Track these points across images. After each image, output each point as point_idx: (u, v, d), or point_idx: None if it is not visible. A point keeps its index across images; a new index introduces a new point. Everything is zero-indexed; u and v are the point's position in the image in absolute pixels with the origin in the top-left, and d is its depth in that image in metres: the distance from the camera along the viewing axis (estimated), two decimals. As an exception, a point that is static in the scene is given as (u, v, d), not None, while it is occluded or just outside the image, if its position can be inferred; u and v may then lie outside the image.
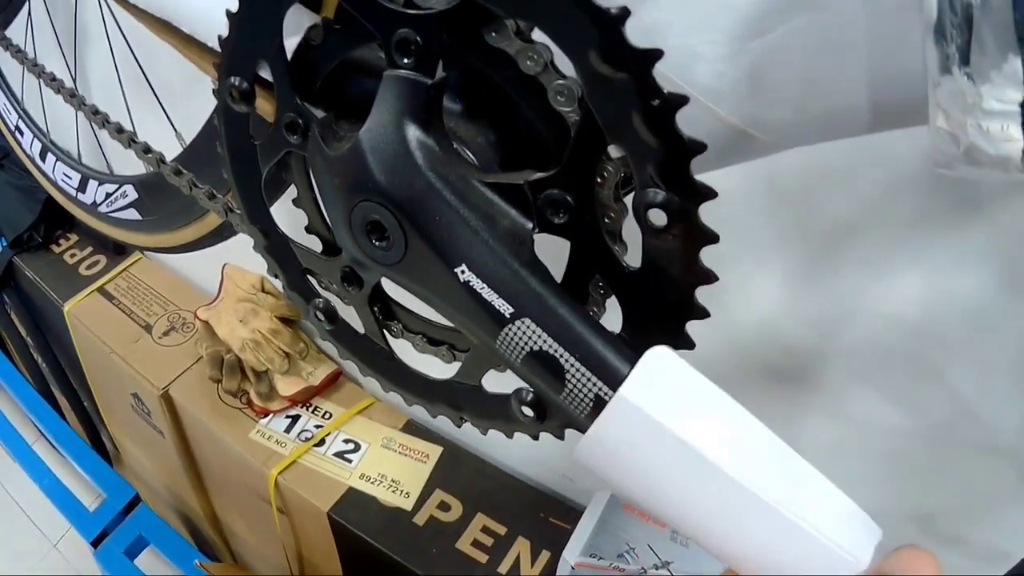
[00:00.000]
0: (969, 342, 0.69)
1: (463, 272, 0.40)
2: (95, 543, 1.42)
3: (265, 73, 0.48)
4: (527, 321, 0.39)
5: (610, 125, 0.36)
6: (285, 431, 1.21)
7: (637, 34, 0.34)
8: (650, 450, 0.35)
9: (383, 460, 1.16)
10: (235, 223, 0.56)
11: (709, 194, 0.35)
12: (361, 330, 0.52)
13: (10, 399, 1.76)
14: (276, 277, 0.54)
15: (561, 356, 0.38)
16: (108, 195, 0.92)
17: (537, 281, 0.39)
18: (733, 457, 0.34)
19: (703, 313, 0.38)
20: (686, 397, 0.35)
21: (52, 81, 0.82)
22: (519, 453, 1.14)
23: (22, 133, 1.21)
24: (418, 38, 0.40)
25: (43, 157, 1.12)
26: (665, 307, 0.39)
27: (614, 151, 0.38)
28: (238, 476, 1.24)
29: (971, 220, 0.64)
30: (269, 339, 1.26)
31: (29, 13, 1.18)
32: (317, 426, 1.21)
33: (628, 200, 0.39)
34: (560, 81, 0.39)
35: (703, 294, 0.38)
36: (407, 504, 1.11)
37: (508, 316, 0.39)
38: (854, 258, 0.72)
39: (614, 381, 0.36)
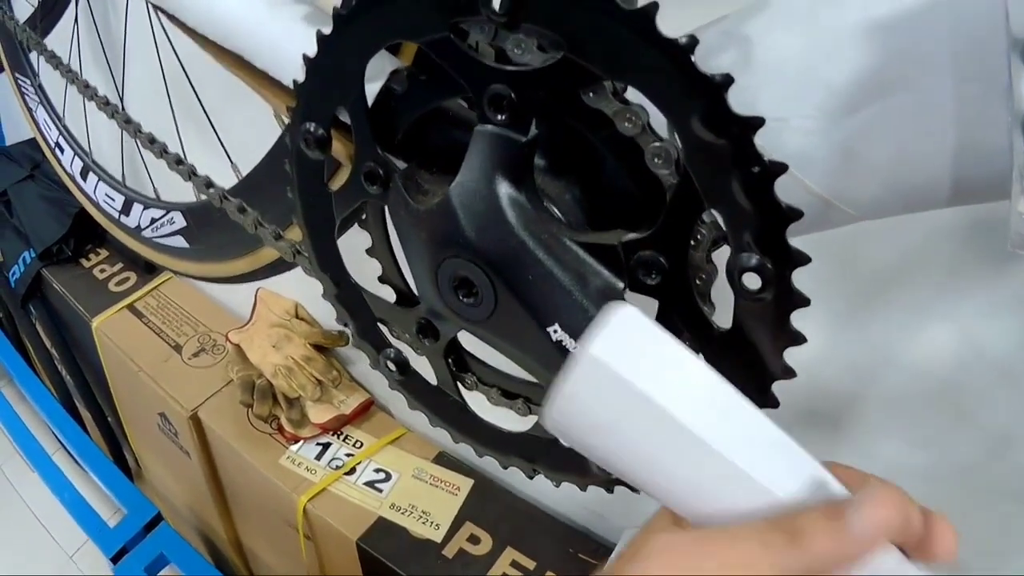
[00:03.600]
0: (999, 388, 0.70)
1: (555, 332, 0.40)
2: (115, 559, 1.41)
3: (343, 118, 0.48)
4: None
5: (708, 189, 0.36)
6: (315, 458, 1.20)
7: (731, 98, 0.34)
8: (614, 405, 0.35)
9: (414, 491, 1.15)
10: (303, 267, 0.56)
11: (803, 260, 0.35)
12: (434, 381, 0.51)
13: (31, 409, 1.76)
14: (345, 325, 0.54)
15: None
16: (154, 220, 0.92)
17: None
18: (694, 411, 0.34)
19: (790, 373, 0.38)
20: (651, 354, 0.35)
21: (106, 105, 0.82)
22: (550, 488, 1.13)
23: (62, 150, 1.21)
24: (512, 94, 0.40)
25: (84, 176, 1.12)
26: (753, 366, 0.39)
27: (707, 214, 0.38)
28: (266, 501, 1.23)
29: (1004, 270, 0.65)
30: (302, 366, 1.26)
31: (76, 28, 1.18)
32: (348, 454, 1.20)
33: (717, 260, 0.39)
34: (657, 143, 0.39)
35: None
36: (437, 536, 1.10)
37: (601, 377, 0.38)
38: (893, 306, 0.73)
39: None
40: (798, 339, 0.37)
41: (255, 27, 0.55)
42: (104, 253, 1.71)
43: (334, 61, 0.46)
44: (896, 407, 0.78)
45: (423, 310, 0.48)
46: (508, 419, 0.50)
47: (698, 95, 0.34)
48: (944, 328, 0.71)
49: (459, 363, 0.51)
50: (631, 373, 0.34)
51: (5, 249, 1.84)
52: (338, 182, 0.51)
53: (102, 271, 1.66)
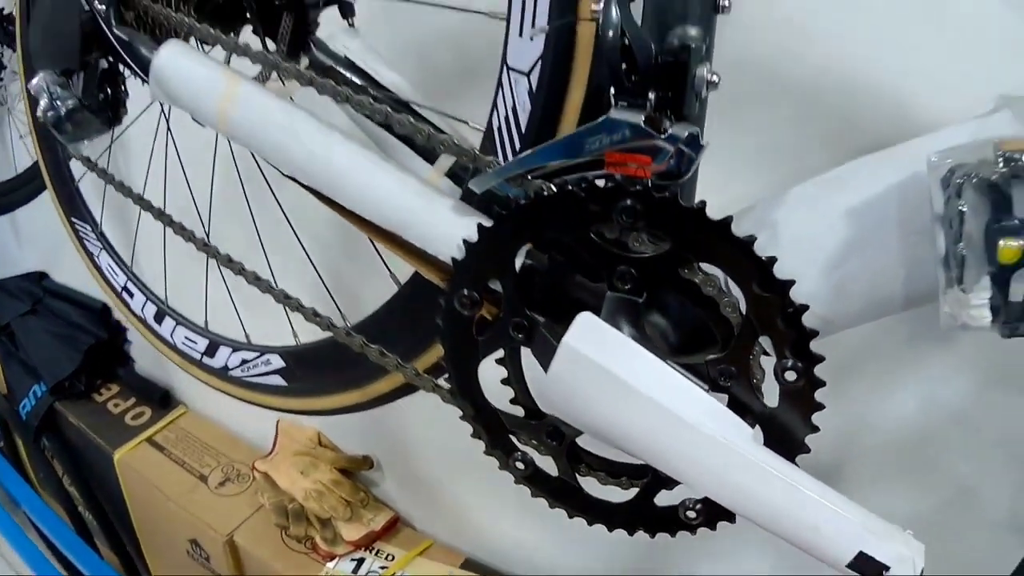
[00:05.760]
0: (962, 435, 0.89)
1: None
2: None
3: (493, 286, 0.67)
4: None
5: (762, 325, 0.57)
6: (352, 572, 1.33)
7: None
8: (590, 383, 0.58)
9: (448, 597, 1.29)
10: (442, 396, 0.74)
11: (820, 359, 0.56)
12: (555, 473, 0.70)
13: (47, 541, 1.77)
14: (479, 438, 0.72)
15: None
16: (245, 361, 1.04)
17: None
18: (646, 382, 0.57)
19: (816, 429, 0.59)
20: (612, 345, 0.59)
21: (229, 263, 0.88)
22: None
23: (131, 295, 1.29)
24: (633, 271, 0.61)
25: (159, 320, 1.24)
26: (793, 429, 0.59)
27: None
28: (306, 616, 1.35)
29: (953, 340, 0.84)
30: (331, 489, 1.40)
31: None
32: (382, 567, 1.34)
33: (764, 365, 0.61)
34: (728, 298, 0.60)
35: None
36: (470, 638, 1.23)
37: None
38: (865, 377, 0.92)
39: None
40: (820, 407, 0.58)
41: (413, 212, 0.72)
42: (115, 388, 1.81)
43: (492, 246, 0.65)
44: (876, 464, 0.96)
45: (550, 420, 0.68)
46: (613, 493, 0.69)
47: (755, 270, 0.56)
48: (909, 391, 0.90)
49: (574, 456, 0.70)
50: (595, 353, 0.57)
51: (12, 381, 1.91)
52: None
53: (116, 405, 1.76)
